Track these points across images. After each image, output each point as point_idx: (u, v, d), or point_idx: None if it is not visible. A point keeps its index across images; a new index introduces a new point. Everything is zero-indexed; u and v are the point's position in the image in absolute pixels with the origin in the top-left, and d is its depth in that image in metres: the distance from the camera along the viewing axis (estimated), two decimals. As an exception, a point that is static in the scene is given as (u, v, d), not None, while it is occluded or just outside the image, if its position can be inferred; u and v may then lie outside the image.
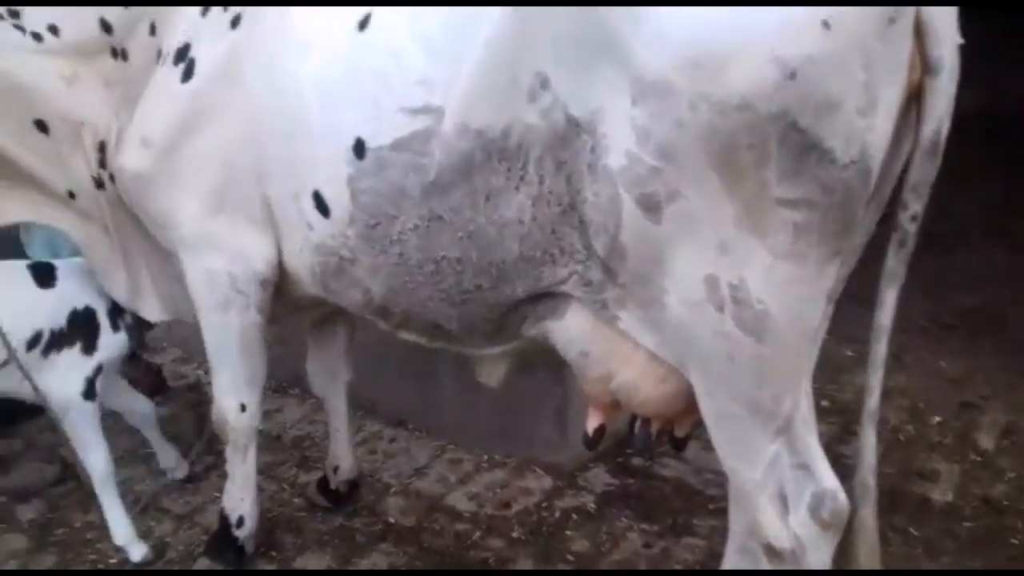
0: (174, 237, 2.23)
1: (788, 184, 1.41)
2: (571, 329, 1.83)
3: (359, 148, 1.84)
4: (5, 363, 2.37)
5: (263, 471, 3.02)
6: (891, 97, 1.40)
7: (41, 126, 2.22)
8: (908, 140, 1.50)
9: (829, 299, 1.61)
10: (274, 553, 2.68)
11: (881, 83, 1.38)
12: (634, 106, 1.47)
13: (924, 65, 1.43)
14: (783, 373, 1.60)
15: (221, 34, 2.08)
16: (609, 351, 1.80)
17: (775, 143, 1.38)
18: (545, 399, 3.00)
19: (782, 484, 1.70)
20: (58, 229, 2.48)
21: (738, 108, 1.37)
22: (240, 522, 2.51)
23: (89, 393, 2.51)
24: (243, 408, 2.38)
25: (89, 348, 2.53)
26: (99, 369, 2.54)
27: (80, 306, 2.52)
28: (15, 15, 2.17)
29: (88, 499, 2.74)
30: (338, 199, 1.92)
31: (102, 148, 2.27)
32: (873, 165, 1.43)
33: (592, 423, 2.02)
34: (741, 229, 1.46)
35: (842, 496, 1.70)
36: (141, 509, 2.83)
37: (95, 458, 2.55)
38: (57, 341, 2.47)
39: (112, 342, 2.58)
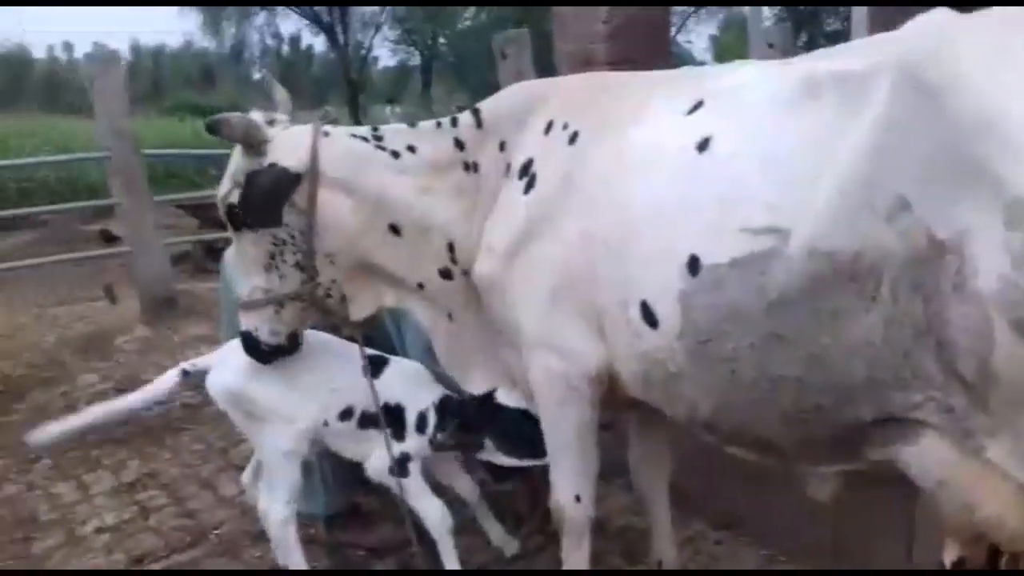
0: (516, 335, 2.40)
1: None
2: (927, 458, 1.73)
3: (693, 265, 1.88)
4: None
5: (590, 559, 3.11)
6: None
7: (395, 229, 2.50)
8: None
9: None
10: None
11: None
12: (1008, 229, 1.42)
13: None
14: None
15: (560, 150, 2.27)
16: (972, 482, 1.67)
17: None
18: (890, 515, 2.77)
19: None
20: (408, 312, 2.78)
21: None
22: None
23: (401, 472, 2.81)
24: (578, 499, 2.45)
25: (399, 436, 2.84)
26: (406, 456, 2.84)
27: (392, 401, 2.84)
28: (379, 138, 2.53)
29: (436, 562, 2.96)
30: (667, 312, 1.96)
31: (451, 247, 2.52)
32: None
33: (950, 555, 1.88)
34: None
35: None
36: (474, 579, 3.01)
37: (427, 508, 2.83)
38: (370, 421, 2.82)
39: (416, 442, 2.86)
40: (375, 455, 2.85)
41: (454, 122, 2.53)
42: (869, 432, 1.79)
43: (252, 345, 2.63)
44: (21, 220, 10.66)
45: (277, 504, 2.83)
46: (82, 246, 9.25)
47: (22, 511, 3.89)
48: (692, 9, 27.48)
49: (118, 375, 5.46)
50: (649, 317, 2.01)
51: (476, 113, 2.51)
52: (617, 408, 2.50)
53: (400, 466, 2.82)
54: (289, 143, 2.45)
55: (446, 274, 2.56)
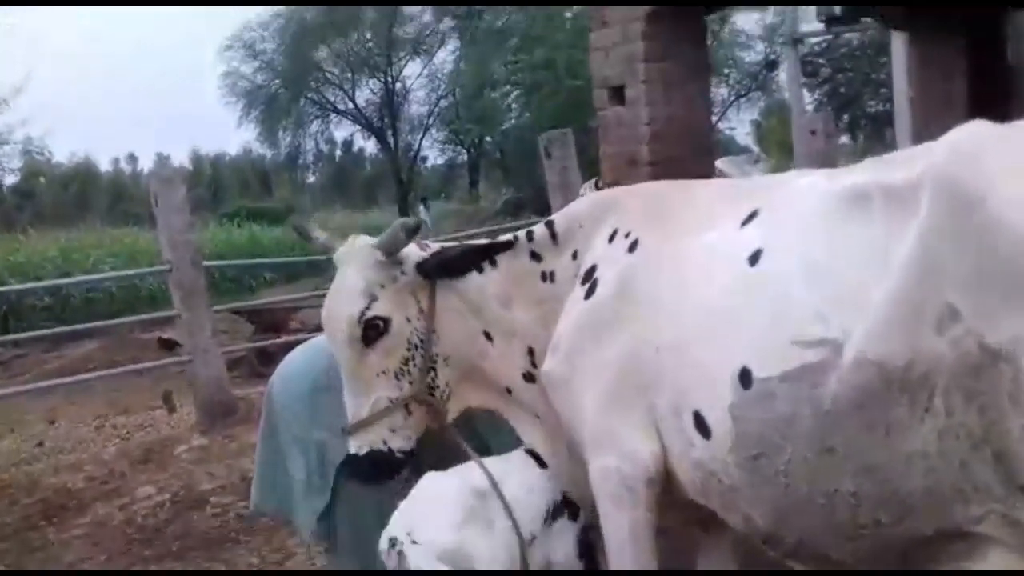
0: (573, 431, 2.45)
1: None
2: (994, 569, 1.68)
3: (745, 377, 1.89)
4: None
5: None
6: None
7: (488, 336, 2.66)
8: None
9: None
10: None
11: None
12: None
13: None
14: None
15: (620, 258, 2.38)
16: None
17: None
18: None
19: None
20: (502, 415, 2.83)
21: None
22: None
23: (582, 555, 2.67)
24: None
25: (575, 517, 2.71)
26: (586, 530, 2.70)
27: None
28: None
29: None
30: (719, 424, 1.98)
31: (531, 352, 2.64)
32: None
33: None
34: None
35: None
36: None
37: None
38: (558, 511, 2.69)
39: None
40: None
41: (529, 236, 2.67)
42: (933, 547, 1.74)
43: (383, 463, 2.57)
44: (86, 331, 11.01)
45: None
46: (142, 355, 9.50)
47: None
48: (732, 98, 27.88)
49: (175, 486, 5.52)
50: (702, 427, 2.02)
51: (550, 225, 2.66)
52: (682, 512, 2.44)
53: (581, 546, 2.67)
54: (414, 253, 2.61)
55: (528, 377, 2.67)
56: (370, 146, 37.73)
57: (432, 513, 2.54)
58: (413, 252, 2.62)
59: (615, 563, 2.43)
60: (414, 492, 2.60)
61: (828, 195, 1.93)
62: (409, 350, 2.57)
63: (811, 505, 1.85)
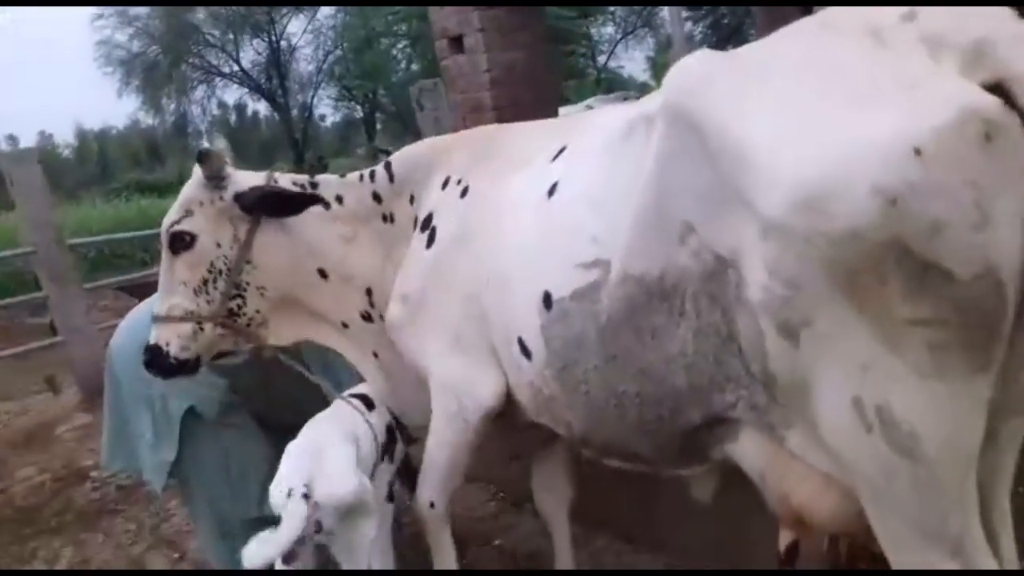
0: (423, 372, 2.61)
1: (913, 304, 1.42)
2: (747, 452, 1.91)
3: (547, 300, 2.11)
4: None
5: None
6: (1011, 207, 1.37)
7: (323, 274, 2.74)
8: None
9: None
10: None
11: (992, 196, 1.36)
12: (763, 242, 1.57)
13: None
14: (947, 492, 1.54)
15: (454, 205, 2.52)
16: (784, 472, 1.84)
17: (894, 267, 1.41)
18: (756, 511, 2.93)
19: None
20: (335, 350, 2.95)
21: (851, 239, 1.43)
22: None
23: (390, 497, 2.82)
24: (432, 505, 2.68)
25: (391, 458, 2.87)
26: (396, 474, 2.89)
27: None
28: (314, 186, 2.76)
29: None
30: (535, 345, 2.19)
31: (369, 292, 2.76)
32: (1005, 277, 1.39)
33: (783, 541, 2.09)
34: (880, 350, 1.47)
35: None
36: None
37: None
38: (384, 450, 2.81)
39: (400, 451, 2.95)
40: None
41: (372, 175, 2.77)
42: (704, 434, 1.96)
43: (157, 358, 2.72)
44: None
45: None
46: (27, 339, 9.26)
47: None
48: (619, 36, 28.10)
49: (56, 465, 5.51)
50: (525, 351, 2.24)
51: (388, 168, 2.75)
52: (524, 432, 2.67)
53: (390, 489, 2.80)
54: (245, 181, 2.68)
55: (367, 317, 2.80)
56: (263, 108, 36.75)
57: (327, 462, 2.48)
58: (240, 181, 2.68)
59: (426, 473, 2.67)
60: (299, 442, 2.57)
61: (611, 127, 2.09)
62: (211, 272, 2.67)
63: (608, 407, 2.07)
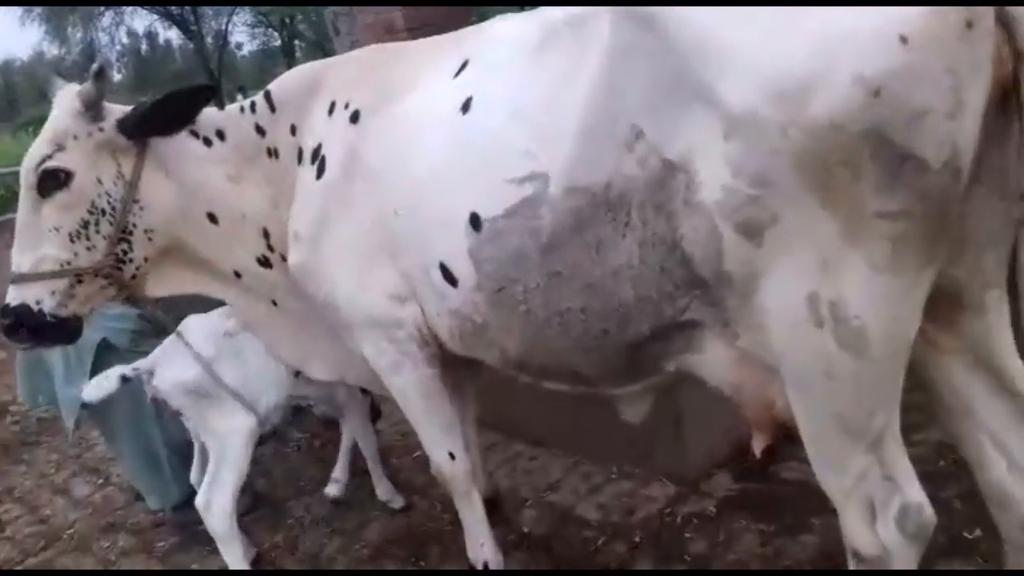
0: (337, 317, 2.42)
1: (885, 197, 1.43)
2: (716, 363, 1.85)
3: (475, 221, 1.98)
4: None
5: (418, 491, 3.39)
6: (976, 96, 1.40)
7: (212, 218, 2.51)
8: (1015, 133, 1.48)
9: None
10: (422, 563, 3.02)
11: (966, 84, 1.37)
12: (727, 141, 1.52)
13: (1017, 56, 1.42)
14: (879, 388, 1.61)
15: (344, 131, 2.30)
16: (765, 380, 1.78)
17: (869, 159, 1.41)
18: (662, 413, 3.08)
19: (871, 495, 1.70)
20: (223, 300, 2.75)
21: (829, 130, 1.41)
22: (486, 568, 2.62)
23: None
24: (452, 456, 2.51)
25: None
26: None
27: None
28: (192, 122, 2.48)
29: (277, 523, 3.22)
30: (462, 269, 2.06)
31: (266, 234, 2.53)
32: (963, 165, 1.43)
33: (759, 444, 2.05)
34: (842, 246, 1.48)
35: (928, 510, 1.69)
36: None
37: None
38: None
39: None
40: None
41: (253, 106, 2.50)
42: (655, 345, 1.90)
43: (27, 319, 2.35)
44: None
45: (224, 497, 2.85)
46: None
47: None
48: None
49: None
50: (449, 277, 2.10)
51: (268, 96, 2.48)
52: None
53: None
54: (122, 110, 2.42)
55: (264, 262, 2.57)
56: (175, 36, 35.20)
57: (178, 351, 2.89)
58: (117, 110, 2.41)
59: (420, 427, 2.52)
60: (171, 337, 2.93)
61: (525, 35, 1.98)
62: (92, 213, 2.37)
63: (550, 326, 1.98)
